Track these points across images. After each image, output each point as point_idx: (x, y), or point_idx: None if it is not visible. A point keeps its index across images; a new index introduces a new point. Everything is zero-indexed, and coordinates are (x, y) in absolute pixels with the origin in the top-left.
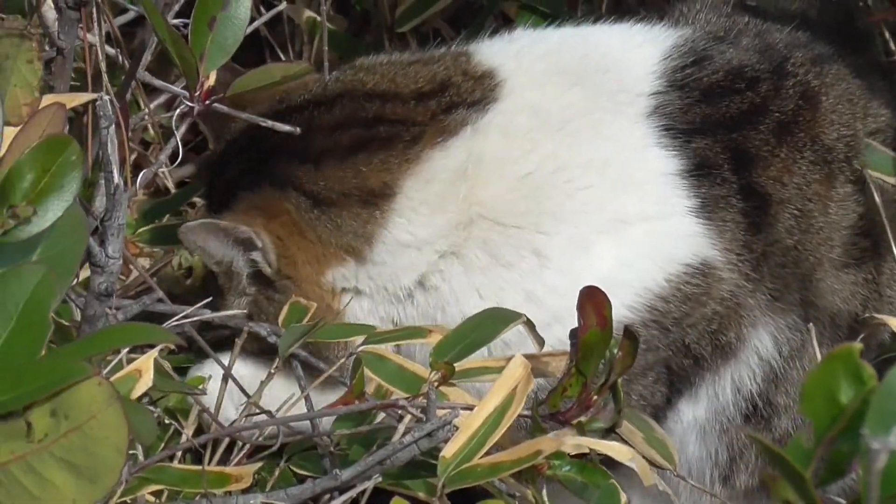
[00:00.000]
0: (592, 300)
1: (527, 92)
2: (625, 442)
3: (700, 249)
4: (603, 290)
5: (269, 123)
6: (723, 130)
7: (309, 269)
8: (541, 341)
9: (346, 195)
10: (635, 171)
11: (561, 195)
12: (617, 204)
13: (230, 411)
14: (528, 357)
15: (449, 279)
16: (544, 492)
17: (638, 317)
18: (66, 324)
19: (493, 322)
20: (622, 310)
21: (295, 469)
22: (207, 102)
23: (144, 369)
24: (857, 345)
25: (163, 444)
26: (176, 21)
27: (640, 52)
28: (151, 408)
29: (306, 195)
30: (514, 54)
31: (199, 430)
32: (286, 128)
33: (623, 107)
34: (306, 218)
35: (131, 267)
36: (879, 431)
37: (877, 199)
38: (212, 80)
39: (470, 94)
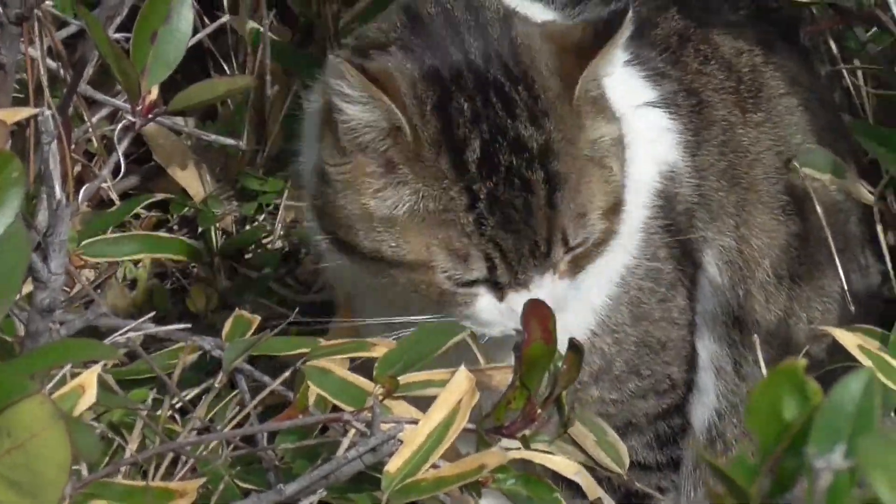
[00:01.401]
0: (537, 314)
1: None
2: (576, 444)
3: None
4: (548, 305)
5: (212, 137)
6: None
7: None
8: (484, 354)
9: None
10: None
11: None
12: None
13: None
14: (473, 370)
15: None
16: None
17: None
18: (10, 339)
19: (436, 335)
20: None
21: (239, 483)
22: (150, 116)
23: (88, 385)
24: (802, 361)
25: (107, 459)
26: (118, 35)
27: None
28: (95, 423)
29: None
30: None
31: (144, 445)
32: (229, 141)
33: None
34: None
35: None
36: (824, 448)
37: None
38: (154, 95)
39: None
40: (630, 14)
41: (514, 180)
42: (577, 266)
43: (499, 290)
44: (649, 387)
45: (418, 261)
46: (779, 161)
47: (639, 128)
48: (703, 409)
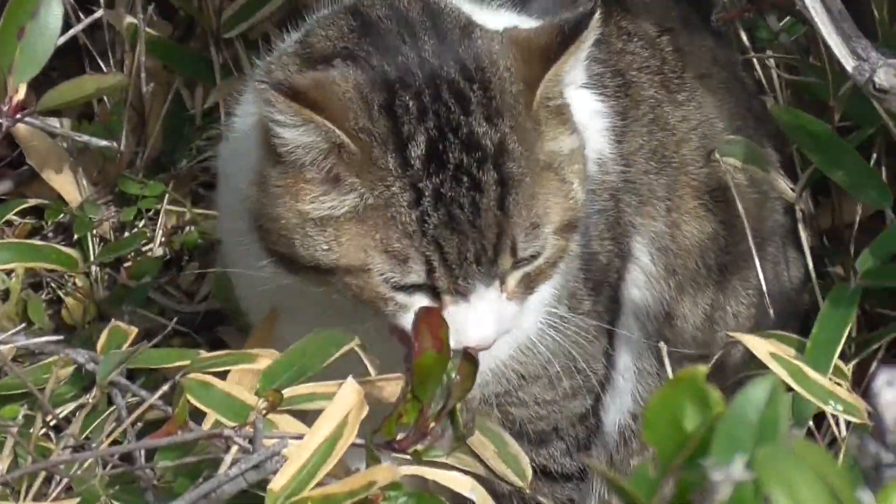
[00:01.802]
0: (428, 321)
1: None
2: (475, 454)
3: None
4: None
5: (86, 138)
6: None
7: None
8: (375, 364)
9: None
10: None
11: None
12: None
13: None
14: (361, 382)
15: None
16: None
17: None
18: None
19: (323, 345)
20: None
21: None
22: (18, 116)
23: None
24: (703, 368)
25: None
26: None
27: None
28: None
29: None
30: None
31: (16, 464)
32: (105, 143)
33: None
34: None
35: None
36: (725, 460)
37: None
38: (22, 94)
39: None
40: (598, 15)
41: (463, 178)
42: (528, 287)
43: (438, 297)
44: (580, 384)
45: (354, 264)
46: (704, 143)
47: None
48: (615, 412)
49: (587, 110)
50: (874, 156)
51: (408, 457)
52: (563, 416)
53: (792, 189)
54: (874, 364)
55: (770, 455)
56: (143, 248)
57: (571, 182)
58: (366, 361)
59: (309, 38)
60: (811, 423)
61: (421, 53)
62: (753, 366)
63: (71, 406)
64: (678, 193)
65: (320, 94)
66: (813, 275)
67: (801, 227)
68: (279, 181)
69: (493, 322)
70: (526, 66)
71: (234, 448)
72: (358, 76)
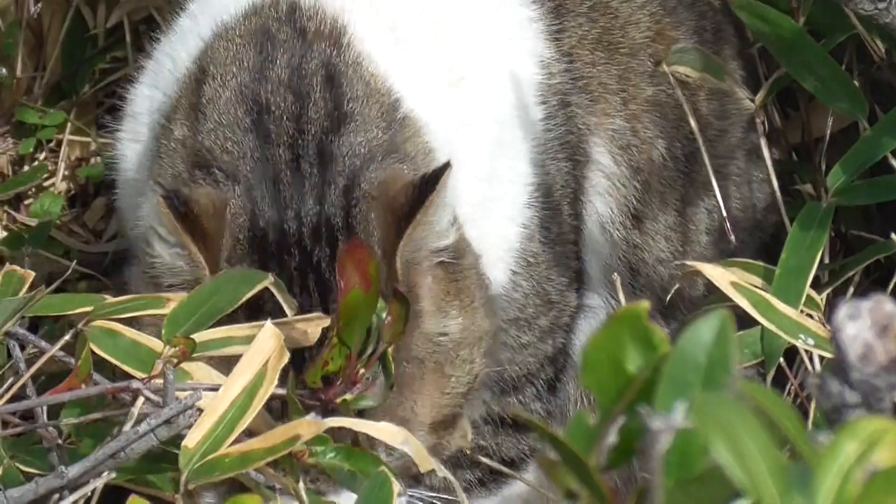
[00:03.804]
0: (353, 257)
1: None
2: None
3: None
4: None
5: None
6: None
7: None
8: (292, 305)
9: None
10: None
11: None
12: None
13: None
14: (280, 325)
15: None
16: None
17: None
18: None
19: (235, 284)
20: None
21: (21, 467)
22: None
23: None
24: (645, 303)
25: None
26: None
27: None
28: None
29: None
30: None
31: None
32: None
33: None
34: None
35: None
36: (671, 405)
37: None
38: None
39: None
40: (450, 170)
41: None
42: None
43: None
44: (556, 318)
45: None
46: (655, 25)
47: (507, 26)
48: (583, 338)
49: (516, 20)
50: (844, 65)
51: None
52: (537, 358)
53: (751, 100)
54: (849, 292)
55: (711, 401)
56: (45, 184)
57: (451, 376)
58: (281, 301)
59: (203, 109)
60: (782, 360)
61: (301, 202)
62: (716, 298)
63: None
64: (632, 83)
65: (209, 225)
66: (779, 198)
67: (763, 141)
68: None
69: None
70: (383, 226)
71: (143, 402)
72: (238, 216)
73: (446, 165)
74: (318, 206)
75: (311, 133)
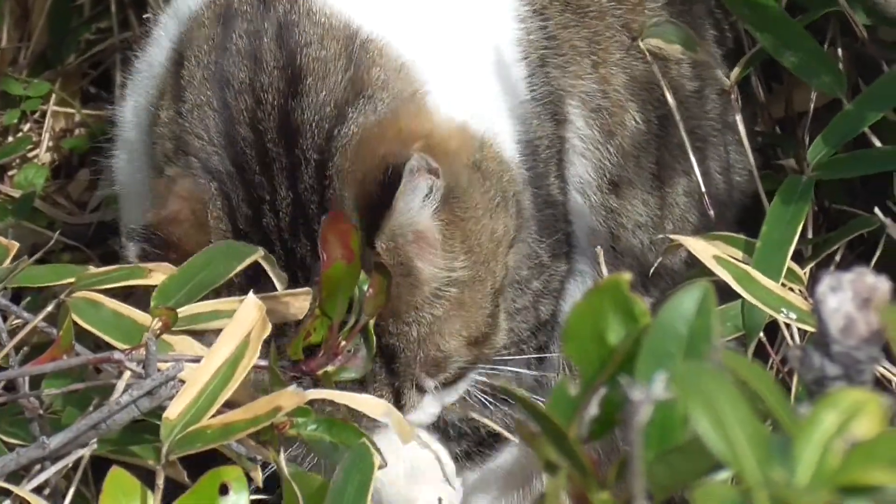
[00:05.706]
0: (335, 229)
1: None
2: None
3: None
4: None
5: None
6: None
7: None
8: (281, 278)
9: None
10: None
11: None
12: None
13: None
14: (265, 298)
15: None
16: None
17: None
18: None
19: (225, 258)
20: None
21: (3, 437)
22: None
23: None
24: (627, 274)
25: None
26: None
27: None
28: None
29: None
30: None
31: None
32: None
33: None
34: None
35: None
36: (653, 376)
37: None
38: None
39: None
40: (417, 157)
41: None
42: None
43: None
44: (547, 283)
45: None
46: None
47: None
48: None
49: None
50: (828, 40)
51: None
52: (528, 325)
53: (726, 76)
54: (833, 267)
55: (692, 371)
56: (29, 155)
57: (472, 302)
58: (271, 275)
59: (182, 93)
60: (763, 335)
61: (272, 191)
62: (697, 272)
63: None
64: (602, 46)
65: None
66: (754, 169)
67: (738, 117)
68: None
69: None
70: (362, 204)
71: (127, 374)
72: (220, 221)
73: (400, 166)
74: (290, 192)
75: (268, 102)
